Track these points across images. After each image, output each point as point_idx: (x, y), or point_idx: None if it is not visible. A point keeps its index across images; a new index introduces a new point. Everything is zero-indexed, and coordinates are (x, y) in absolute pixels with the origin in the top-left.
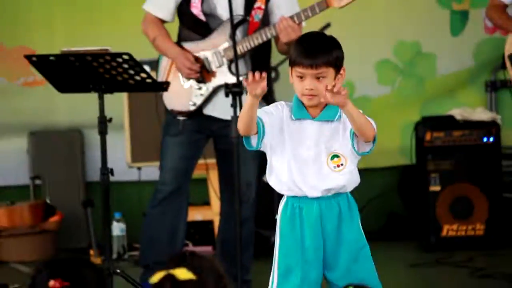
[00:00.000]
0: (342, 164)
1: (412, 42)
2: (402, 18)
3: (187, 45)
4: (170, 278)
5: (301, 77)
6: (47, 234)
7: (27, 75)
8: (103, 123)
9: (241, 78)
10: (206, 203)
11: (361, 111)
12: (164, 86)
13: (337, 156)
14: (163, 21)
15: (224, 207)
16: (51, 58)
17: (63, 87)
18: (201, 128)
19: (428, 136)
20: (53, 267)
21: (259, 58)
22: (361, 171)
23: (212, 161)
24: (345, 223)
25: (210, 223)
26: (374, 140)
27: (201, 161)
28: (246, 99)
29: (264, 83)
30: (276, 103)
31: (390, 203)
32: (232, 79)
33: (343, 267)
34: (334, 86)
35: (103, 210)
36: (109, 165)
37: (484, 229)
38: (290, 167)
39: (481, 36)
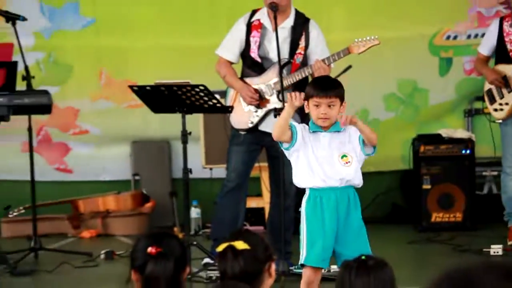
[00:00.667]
0: (349, 161)
1: (411, 80)
2: (404, 63)
3: (248, 80)
4: (231, 247)
5: (317, 106)
6: (143, 216)
7: (130, 100)
8: (185, 136)
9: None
10: (259, 194)
11: (368, 126)
12: (230, 109)
13: (345, 155)
14: (231, 63)
15: (272, 198)
16: (147, 88)
17: (156, 108)
18: (256, 140)
19: (422, 149)
20: (150, 238)
21: (299, 90)
22: (373, 173)
23: (264, 164)
24: (351, 211)
25: (261, 209)
26: (375, 146)
27: (256, 164)
28: (285, 110)
29: (301, 100)
30: (301, 125)
31: (394, 197)
32: (279, 105)
33: (349, 241)
34: (343, 117)
35: (184, 199)
36: (189, 166)
37: (462, 216)
38: (311, 166)
39: (461, 76)
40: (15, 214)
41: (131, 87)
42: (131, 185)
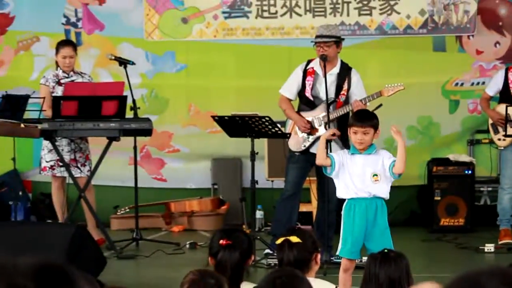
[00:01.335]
0: (378, 180)
1: (427, 116)
2: (422, 103)
3: (302, 113)
4: (287, 241)
5: (355, 133)
6: (219, 216)
7: (212, 127)
8: (253, 155)
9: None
10: (309, 201)
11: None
12: (288, 136)
13: (376, 174)
14: (290, 100)
15: (319, 204)
16: (226, 118)
17: (231, 133)
18: (308, 160)
19: (434, 169)
20: (223, 232)
21: (342, 122)
22: (397, 187)
23: (313, 178)
24: (378, 216)
25: (310, 213)
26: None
27: (307, 178)
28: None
29: (330, 134)
30: (341, 151)
31: (412, 205)
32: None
33: (375, 238)
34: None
35: (251, 203)
36: (255, 178)
37: (464, 221)
38: (347, 183)
39: (466, 114)
40: (122, 212)
41: (213, 117)
42: (211, 192)
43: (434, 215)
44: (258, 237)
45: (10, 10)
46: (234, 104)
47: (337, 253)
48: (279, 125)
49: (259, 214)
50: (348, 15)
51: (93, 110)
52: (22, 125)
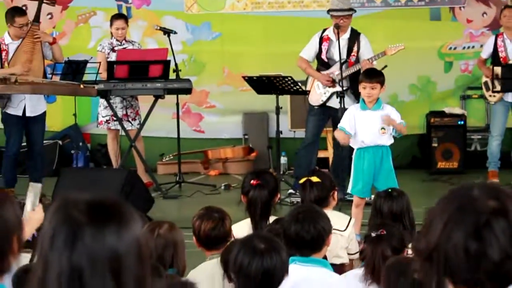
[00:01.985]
0: (385, 133)
1: (425, 76)
2: (421, 64)
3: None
4: (309, 180)
5: (364, 88)
6: (250, 161)
7: (243, 86)
8: (278, 109)
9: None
10: (326, 148)
11: (403, 122)
12: (308, 92)
13: (383, 128)
14: (308, 61)
15: (334, 151)
16: (254, 78)
17: (259, 91)
18: (325, 112)
19: (432, 120)
20: (253, 174)
21: (353, 79)
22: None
23: (329, 128)
24: (384, 160)
25: (327, 158)
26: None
27: (324, 129)
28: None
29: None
30: (349, 109)
31: (413, 151)
32: (340, 89)
33: (382, 179)
34: (388, 119)
35: (277, 150)
36: (280, 129)
37: (458, 165)
38: (357, 135)
39: (458, 74)
40: (167, 159)
41: (243, 77)
42: (242, 141)
43: (432, 160)
44: (283, 179)
45: None
46: (261, 66)
47: (349, 191)
48: (299, 84)
49: (283, 159)
50: None
51: (141, 73)
52: (82, 86)
